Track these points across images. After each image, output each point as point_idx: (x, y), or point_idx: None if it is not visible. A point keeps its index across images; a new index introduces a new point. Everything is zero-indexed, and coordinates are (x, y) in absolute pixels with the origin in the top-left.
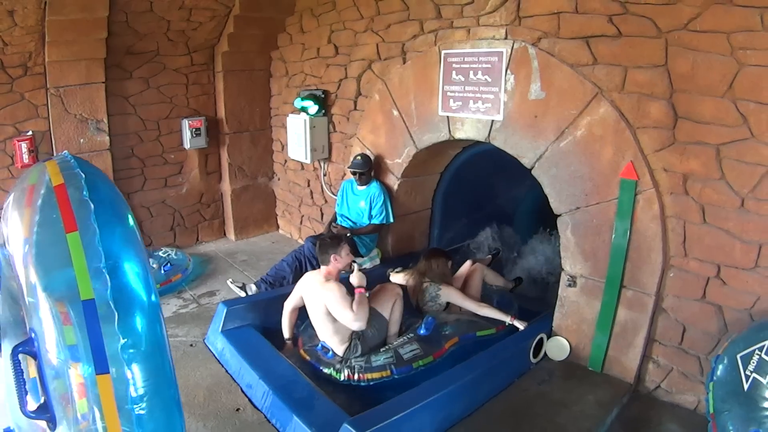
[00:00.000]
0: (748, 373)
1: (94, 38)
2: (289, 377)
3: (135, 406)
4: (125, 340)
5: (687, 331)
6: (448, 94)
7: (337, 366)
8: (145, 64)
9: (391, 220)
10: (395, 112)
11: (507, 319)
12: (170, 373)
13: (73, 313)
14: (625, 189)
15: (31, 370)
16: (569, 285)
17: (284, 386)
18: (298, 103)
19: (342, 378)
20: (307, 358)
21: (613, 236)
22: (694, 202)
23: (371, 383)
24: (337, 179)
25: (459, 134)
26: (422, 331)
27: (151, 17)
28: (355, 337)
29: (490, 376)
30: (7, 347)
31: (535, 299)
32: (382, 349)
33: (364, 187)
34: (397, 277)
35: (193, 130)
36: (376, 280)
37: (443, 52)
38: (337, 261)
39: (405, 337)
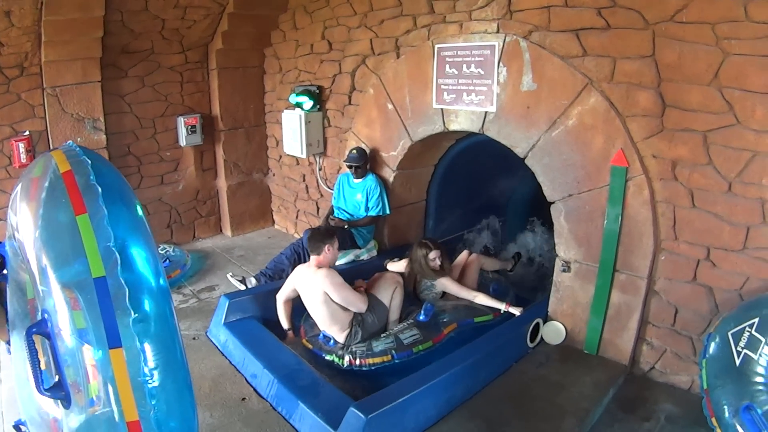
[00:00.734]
0: (739, 349)
1: (90, 38)
2: (293, 366)
3: (147, 379)
4: (136, 315)
5: (679, 312)
6: (442, 87)
7: (339, 352)
8: (140, 62)
9: (388, 211)
10: (390, 106)
11: (502, 307)
12: (181, 355)
13: (81, 298)
14: (616, 176)
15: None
16: (563, 270)
17: (289, 375)
18: (293, 98)
19: (344, 364)
20: (310, 346)
21: (605, 222)
22: (683, 187)
23: (373, 368)
24: (332, 173)
25: (453, 126)
26: (422, 318)
27: (146, 16)
28: (355, 323)
29: (489, 360)
30: (17, 340)
31: (531, 287)
32: (382, 335)
33: (360, 180)
34: (395, 266)
35: (189, 127)
36: (373, 270)
37: (437, 46)
38: (330, 252)
39: (405, 323)
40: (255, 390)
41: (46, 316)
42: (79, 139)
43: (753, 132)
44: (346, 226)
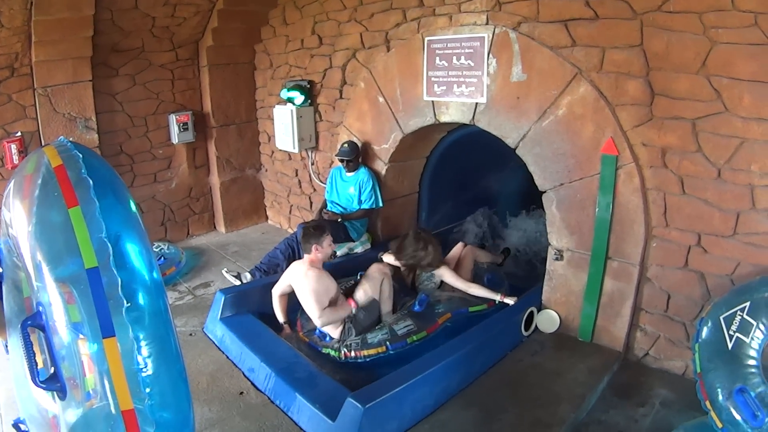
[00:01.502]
0: (731, 333)
1: (80, 37)
2: (290, 359)
3: (141, 368)
4: (129, 304)
5: (672, 298)
6: (433, 79)
7: (336, 345)
8: (130, 61)
9: (380, 204)
10: (381, 99)
11: (497, 297)
12: (175, 347)
13: (76, 292)
14: (607, 164)
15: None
16: (556, 259)
17: (286, 368)
18: (284, 94)
19: (340, 357)
20: (307, 340)
21: (597, 210)
22: (673, 174)
23: (368, 359)
24: (324, 167)
25: (444, 118)
26: (416, 308)
27: (136, 14)
28: (347, 320)
29: (484, 349)
30: (15, 339)
31: (525, 276)
32: (377, 327)
33: (352, 173)
34: (390, 258)
35: (181, 124)
36: (367, 263)
37: (426, 38)
38: (318, 251)
39: (399, 314)
40: (253, 384)
41: (41, 309)
42: (71, 139)
43: (741, 119)
44: (339, 220)
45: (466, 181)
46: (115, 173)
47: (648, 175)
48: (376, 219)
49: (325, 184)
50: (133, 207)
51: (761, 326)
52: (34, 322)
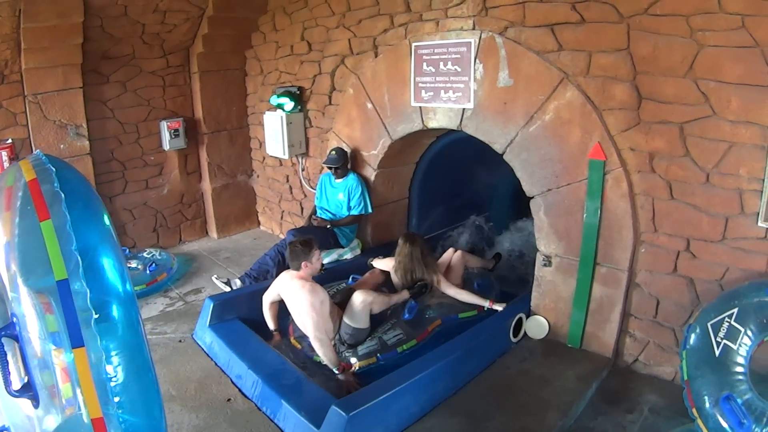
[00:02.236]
0: (718, 340)
1: (70, 44)
2: (277, 366)
3: (111, 377)
4: (98, 315)
5: (661, 304)
6: (420, 85)
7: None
8: (121, 68)
9: (370, 210)
10: (369, 105)
11: (486, 304)
12: (147, 357)
13: (54, 303)
14: (594, 169)
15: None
16: (545, 265)
17: (273, 374)
18: (274, 100)
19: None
20: (299, 346)
21: (585, 215)
22: (661, 179)
23: (360, 370)
24: (315, 173)
25: (432, 123)
26: (405, 316)
27: (125, 21)
28: (336, 336)
29: (471, 356)
30: None
31: (516, 281)
32: (367, 338)
33: (341, 179)
34: (381, 263)
35: (172, 131)
36: (357, 269)
37: (414, 44)
38: (308, 267)
39: (389, 323)
40: (240, 391)
41: (15, 319)
42: (62, 146)
43: (729, 123)
44: (328, 226)
45: (457, 186)
46: (90, 187)
47: (636, 180)
48: (366, 225)
49: (315, 190)
50: (107, 220)
51: (749, 333)
52: (7, 332)
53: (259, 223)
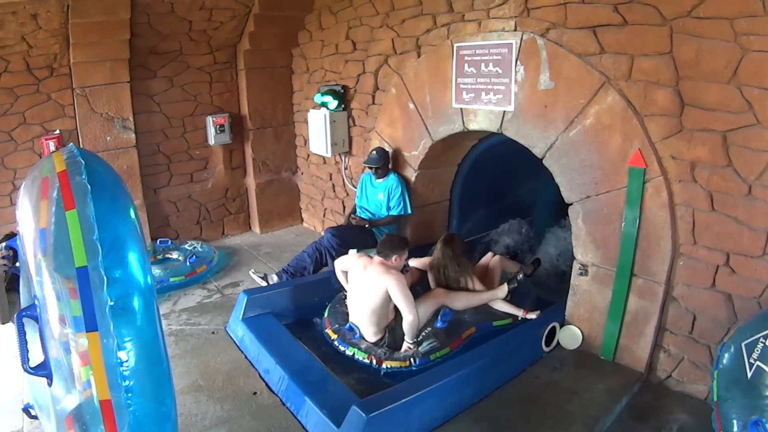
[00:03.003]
0: (752, 361)
1: (117, 39)
2: (305, 362)
3: (123, 364)
4: (113, 302)
5: (697, 319)
6: (461, 86)
7: (363, 346)
8: (168, 63)
9: (409, 211)
10: (411, 106)
11: (519, 313)
12: (161, 347)
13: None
14: (634, 177)
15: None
16: (581, 274)
17: (299, 371)
18: (318, 98)
19: (363, 359)
20: (334, 336)
21: (623, 225)
22: (702, 189)
23: (390, 370)
24: (357, 172)
25: (472, 126)
26: (438, 324)
27: (172, 18)
28: (388, 330)
29: (500, 363)
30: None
31: (554, 289)
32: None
33: (382, 179)
34: (416, 262)
35: (218, 126)
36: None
37: (455, 45)
38: (396, 261)
39: (423, 333)
40: (267, 385)
41: (36, 302)
42: (108, 138)
43: None
44: (366, 225)
45: (499, 190)
46: (119, 181)
47: (676, 189)
48: (405, 226)
49: (356, 188)
50: (132, 213)
51: None
52: (28, 313)
53: (302, 220)
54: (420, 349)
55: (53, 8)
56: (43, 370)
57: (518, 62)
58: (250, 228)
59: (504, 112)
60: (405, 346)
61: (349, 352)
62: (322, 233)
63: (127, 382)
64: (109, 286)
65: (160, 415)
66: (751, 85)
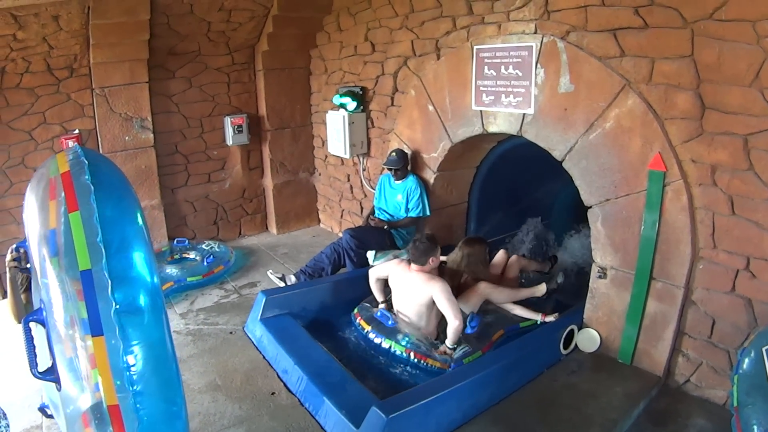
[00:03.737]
0: None
1: (136, 40)
2: (324, 363)
3: (130, 368)
4: (118, 306)
5: (716, 324)
6: (481, 88)
7: (398, 336)
8: (187, 64)
9: (428, 213)
10: (430, 107)
11: (538, 318)
12: (170, 348)
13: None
14: (654, 180)
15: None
16: (600, 277)
17: (318, 371)
18: (337, 99)
19: (400, 352)
20: (368, 327)
21: (642, 228)
22: (722, 193)
23: (427, 367)
24: (375, 174)
25: (492, 128)
26: (468, 330)
27: (191, 19)
28: (440, 330)
29: (519, 366)
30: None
31: (574, 292)
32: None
33: (401, 181)
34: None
35: (235, 127)
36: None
37: (475, 47)
38: (433, 262)
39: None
40: (285, 385)
41: (42, 305)
42: (127, 138)
43: None
44: (385, 227)
45: (518, 193)
46: (124, 178)
47: (696, 193)
48: (423, 228)
49: (375, 190)
50: (139, 213)
51: None
52: (35, 318)
53: (319, 221)
54: (455, 354)
55: (74, 9)
56: (51, 374)
57: (538, 65)
58: (267, 228)
59: (524, 114)
60: (443, 348)
61: (385, 345)
62: (340, 234)
63: (135, 387)
64: (115, 288)
65: (170, 415)
66: None
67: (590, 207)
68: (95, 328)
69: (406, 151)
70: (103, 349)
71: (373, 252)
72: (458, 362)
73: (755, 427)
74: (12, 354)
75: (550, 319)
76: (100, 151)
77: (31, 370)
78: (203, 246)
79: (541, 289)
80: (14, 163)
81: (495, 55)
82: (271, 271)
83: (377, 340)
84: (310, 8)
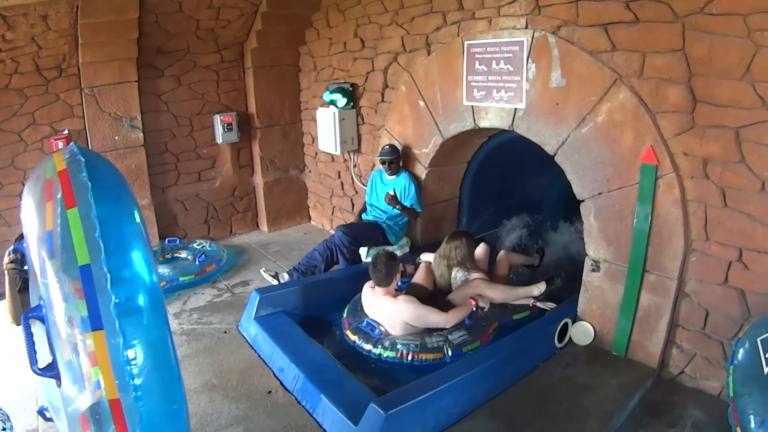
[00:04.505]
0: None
1: (125, 39)
2: (320, 361)
3: (131, 362)
4: (117, 300)
5: (710, 315)
6: (472, 83)
7: (386, 344)
8: (176, 62)
9: (419, 210)
10: (421, 103)
11: (530, 302)
12: (170, 345)
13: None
14: (646, 174)
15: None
16: (593, 270)
17: (314, 369)
18: (327, 96)
19: (392, 356)
20: (355, 338)
21: (635, 221)
22: (714, 185)
23: (423, 363)
24: (366, 170)
25: (483, 123)
26: (467, 321)
27: (180, 17)
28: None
29: (514, 360)
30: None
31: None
32: (434, 333)
33: (393, 176)
34: (428, 256)
35: (225, 125)
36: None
37: (466, 42)
38: (397, 280)
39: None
40: (281, 383)
41: (41, 302)
42: (117, 138)
43: None
44: (398, 206)
45: (508, 187)
46: (120, 176)
47: (689, 185)
48: (415, 223)
49: (366, 186)
50: (136, 210)
51: None
52: (34, 314)
53: (309, 218)
54: (451, 338)
55: (63, 9)
56: (51, 371)
57: (529, 60)
58: (258, 227)
59: (515, 109)
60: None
61: (376, 352)
62: (331, 231)
63: (136, 381)
64: (114, 285)
65: (171, 414)
66: (764, 81)
67: (583, 201)
68: (95, 322)
69: (397, 146)
70: (103, 342)
71: (365, 248)
72: (458, 350)
73: (752, 416)
74: (6, 358)
75: (541, 305)
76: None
77: (31, 366)
78: (194, 245)
79: (540, 287)
80: (4, 164)
81: (486, 50)
82: (264, 269)
83: (367, 347)
84: (299, 5)
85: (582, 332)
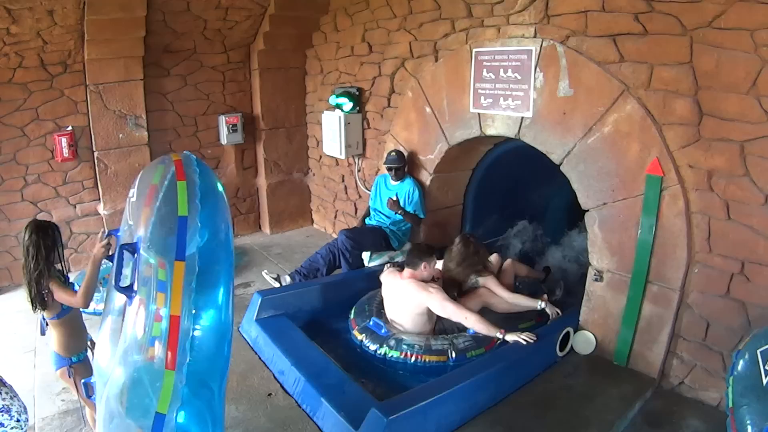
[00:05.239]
0: (767, 368)
1: (132, 37)
2: (321, 364)
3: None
4: (201, 243)
5: (711, 327)
6: (479, 91)
7: (392, 343)
8: (182, 61)
9: (422, 215)
10: (428, 109)
11: (537, 306)
12: (230, 301)
13: (167, 263)
14: (651, 185)
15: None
16: (596, 279)
17: (315, 373)
18: (333, 100)
19: (397, 356)
20: (361, 337)
21: (639, 232)
22: (718, 198)
23: (426, 365)
24: (371, 175)
25: (490, 131)
26: (471, 332)
27: (188, 16)
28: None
29: (516, 368)
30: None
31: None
32: (439, 336)
33: (397, 182)
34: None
35: (230, 126)
36: None
37: (474, 50)
38: (425, 270)
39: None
40: (282, 386)
41: (137, 240)
42: (121, 136)
43: None
44: (399, 212)
45: (513, 195)
46: (221, 189)
47: (693, 198)
48: (418, 229)
49: (370, 191)
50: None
51: None
52: (128, 247)
53: (312, 221)
54: (456, 342)
55: (70, 4)
56: (129, 291)
57: (537, 69)
58: (260, 228)
59: (522, 118)
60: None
61: (381, 352)
62: (334, 235)
63: (194, 311)
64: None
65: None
66: None
67: (588, 210)
68: (180, 253)
69: (403, 152)
70: (182, 270)
71: (368, 253)
72: (462, 354)
73: (750, 427)
74: (8, 354)
75: (542, 304)
76: (93, 149)
77: (115, 284)
78: None
79: (542, 305)
80: (6, 159)
81: (494, 58)
82: (266, 271)
83: (372, 348)
84: (308, 8)
85: (584, 341)
